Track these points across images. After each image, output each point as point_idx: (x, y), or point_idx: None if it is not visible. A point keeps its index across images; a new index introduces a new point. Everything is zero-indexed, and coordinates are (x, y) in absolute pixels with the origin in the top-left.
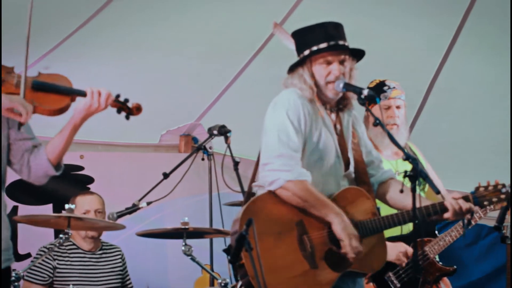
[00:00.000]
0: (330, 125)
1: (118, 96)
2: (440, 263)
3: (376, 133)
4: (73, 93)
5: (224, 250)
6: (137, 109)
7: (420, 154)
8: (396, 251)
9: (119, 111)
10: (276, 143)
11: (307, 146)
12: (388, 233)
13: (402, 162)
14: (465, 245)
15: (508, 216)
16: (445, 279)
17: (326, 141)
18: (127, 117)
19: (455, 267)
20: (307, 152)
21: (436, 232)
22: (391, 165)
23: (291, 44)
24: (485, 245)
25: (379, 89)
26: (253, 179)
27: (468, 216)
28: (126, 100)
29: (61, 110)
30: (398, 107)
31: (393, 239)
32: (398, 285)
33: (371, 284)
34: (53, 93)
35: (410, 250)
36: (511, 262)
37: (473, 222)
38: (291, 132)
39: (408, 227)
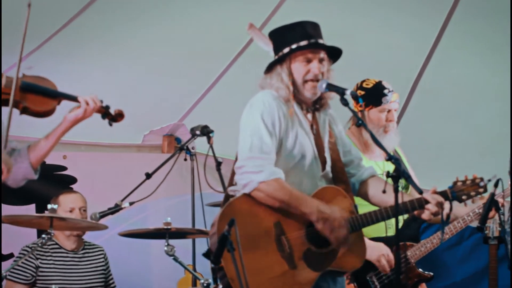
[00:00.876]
0: (306, 125)
1: (101, 101)
2: (420, 269)
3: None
4: (61, 97)
5: (204, 255)
6: (120, 115)
7: (403, 155)
8: (378, 253)
9: (103, 117)
10: (249, 146)
11: (283, 148)
12: (373, 234)
13: (387, 162)
14: (448, 246)
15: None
16: (423, 284)
17: (302, 142)
18: (110, 124)
19: (432, 274)
20: (284, 154)
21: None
22: (378, 166)
23: (266, 45)
24: (468, 246)
25: (379, 91)
26: (231, 182)
27: (447, 211)
28: (108, 107)
29: (49, 113)
30: (395, 110)
31: (377, 240)
32: (378, 287)
33: (352, 284)
34: (41, 95)
35: (390, 253)
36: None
37: (453, 230)
38: (264, 135)
39: (393, 230)
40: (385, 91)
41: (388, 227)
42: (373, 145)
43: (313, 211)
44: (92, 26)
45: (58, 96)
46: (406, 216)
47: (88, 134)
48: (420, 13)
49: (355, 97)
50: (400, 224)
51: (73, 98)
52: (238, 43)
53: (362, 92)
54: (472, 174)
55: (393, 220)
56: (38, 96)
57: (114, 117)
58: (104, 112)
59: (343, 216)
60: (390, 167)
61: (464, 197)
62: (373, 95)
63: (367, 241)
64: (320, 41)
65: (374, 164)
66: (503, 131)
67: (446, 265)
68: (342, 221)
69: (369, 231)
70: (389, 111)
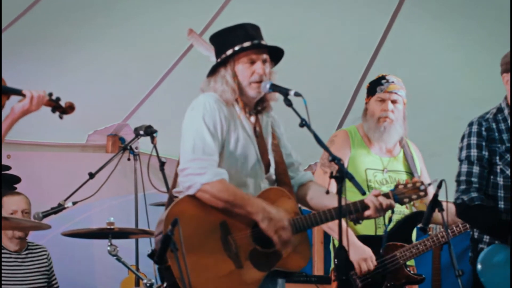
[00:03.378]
0: (249, 128)
1: (51, 94)
2: (412, 271)
3: (369, 127)
4: (10, 92)
5: (149, 255)
6: (70, 108)
7: (416, 153)
8: (361, 256)
9: (53, 110)
10: (192, 148)
11: (225, 150)
12: (362, 231)
13: (393, 160)
14: None
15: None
16: (415, 286)
17: (244, 145)
18: (61, 117)
19: (423, 276)
20: (226, 157)
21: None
22: (381, 161)
23: (206, 50)
24: None
25: (377, 82)
26: (174, 183)
27: (390, 213)
28: (58, 99)
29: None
30: (394, 101)
31: (366, 238)
32: (360, 285)
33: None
34: None
35: (374, 259)
36: (437, 264)
37: (455, 231)
38: (206, 137)
39: (383, 229)
40: (383, 81)
41: (377, 227)
42: (375, 138)
43: (258, 210)
44: (37, 26)
45: (8, 92)
46: (399, 216)
47: (32, 134)
48: (365, 14)
49: (297, 96)
50: (392, 224)
51: (19, 92)
52: (182, 43)
53: (368, 85)
54: None
55: (382, 219)
56: None
57: (65, 110)
58: (54, 105)
59: (288, 219)
60: (392, 163)
61: (405, 199)
62: (372, 86)
63: (355, 240)
64: (263, 42)
65: (378, 159)
66: (450, 132)
67: None
68: (286, 223)
69: (359, 228)
70: (383, 100)
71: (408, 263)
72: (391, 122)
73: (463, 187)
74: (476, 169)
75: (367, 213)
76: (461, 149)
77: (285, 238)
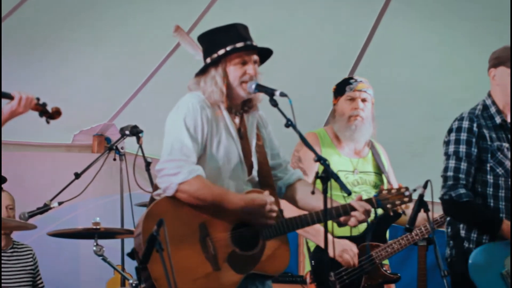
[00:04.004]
0: (233, 129)
1: (38, 99)
2: (388, 271)
3: (339, 127)
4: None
5: (128, 254)
6: (57, 113)
7: (383, 153)
8: (341, 248)
9: (40, 115)
10: (169, 149)
11: (207, 152)
12: (338, 233)
13: (363, 160)
14: None
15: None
16: (391, 285)
17: (227, 147)
18: (48, 121)
19: (399, 275)
20: (208, 159)
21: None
22: (351, 162)
23: (192, 48)
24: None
25: (345, 82)
26: (156, 185)
27: (372, 219)
28: (45, 104)
29: None
30: (364, 100)
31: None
32: (338, 286)
33: (313, 284)
34: None
35: (354, 248)
36: (423, 264)
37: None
38: (185, 138)
39: (358, 229)
40: (351, 81)
41: (353, 227)
42: (345, 138)
43: (237, 206)
44: (22, 26)
45: None
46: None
47: (17, 134)
48: (351, 13)
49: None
50: (366, 225)
51: (8, 95)
52: (168, 44)
53: (335, 87)
54: (405, 174)
55: None
56: None
57: (52, 115)
58: (42, 110)
59: (269, 195)
60: (362, 164)
61: (389, 205)
62: (340, 86)
63: (330, 237)
64: (254, 43)
65: (348, 161)
66: (432, 133)
67: None
68: (268, 206)
69: (335, 230)
70: (353, 99)
71: (383, 262)
72: (362, 120)
73: (450, 182)
74: (464, 165)
75: (352, 220)
76: (448, 143)
77: (272, 215)
